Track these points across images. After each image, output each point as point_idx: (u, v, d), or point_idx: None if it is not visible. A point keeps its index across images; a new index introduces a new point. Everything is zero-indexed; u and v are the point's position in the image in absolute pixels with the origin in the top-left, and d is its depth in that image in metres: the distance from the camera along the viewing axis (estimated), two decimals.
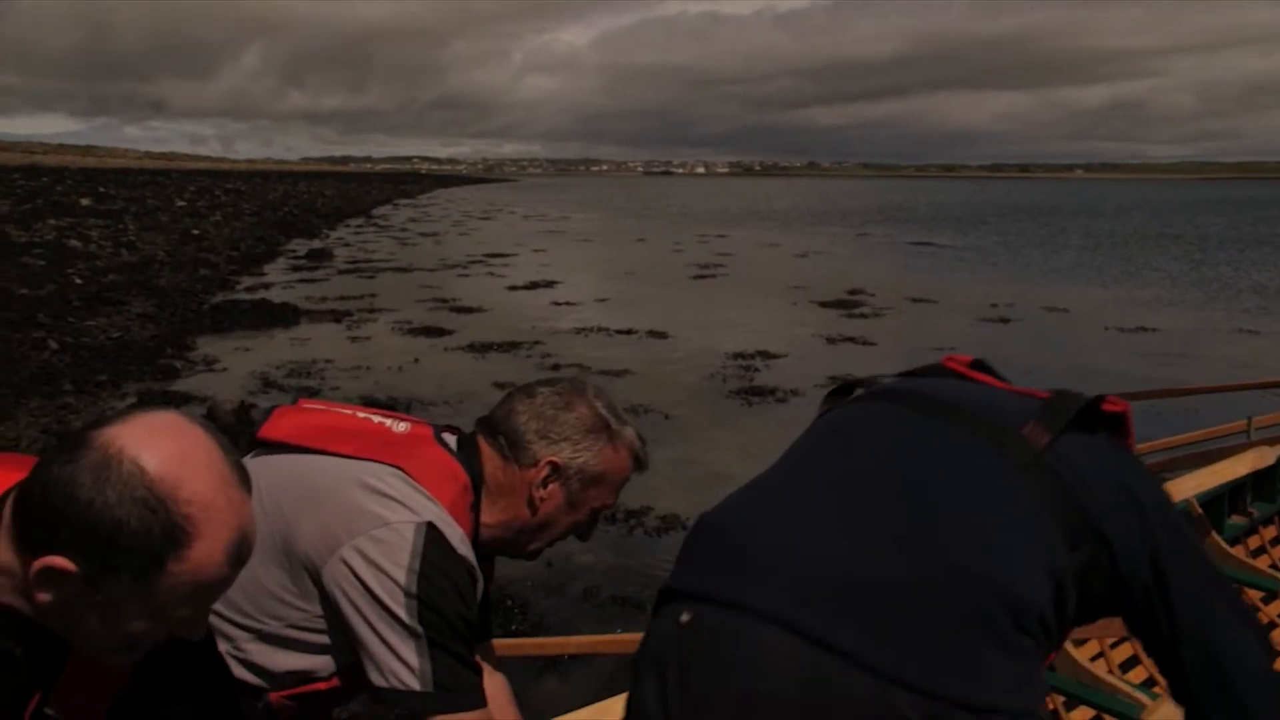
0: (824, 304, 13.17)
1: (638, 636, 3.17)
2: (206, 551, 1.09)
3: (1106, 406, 1.53)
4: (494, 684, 1.82)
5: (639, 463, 1.80)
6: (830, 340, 10.34)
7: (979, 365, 1.71)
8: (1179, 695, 1.48)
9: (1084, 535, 1.39)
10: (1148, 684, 2.90)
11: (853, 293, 14.17)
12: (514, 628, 3.63)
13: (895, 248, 24.54)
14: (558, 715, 2.75)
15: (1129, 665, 3.08)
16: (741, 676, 1.35)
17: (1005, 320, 11.92)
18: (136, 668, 1.27)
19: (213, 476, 1.11)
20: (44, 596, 1.08)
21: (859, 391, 1.69)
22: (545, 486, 1.72)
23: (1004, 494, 1.40)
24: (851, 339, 10.39)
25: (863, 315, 12.24)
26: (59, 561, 1.05)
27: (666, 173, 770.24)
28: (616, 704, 2.79)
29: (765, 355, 9.30)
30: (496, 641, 2.27)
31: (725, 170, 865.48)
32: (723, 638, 1.37)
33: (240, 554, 1.14)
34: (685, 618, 1.39)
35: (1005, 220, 39.12)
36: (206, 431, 1.14)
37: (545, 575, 4.13)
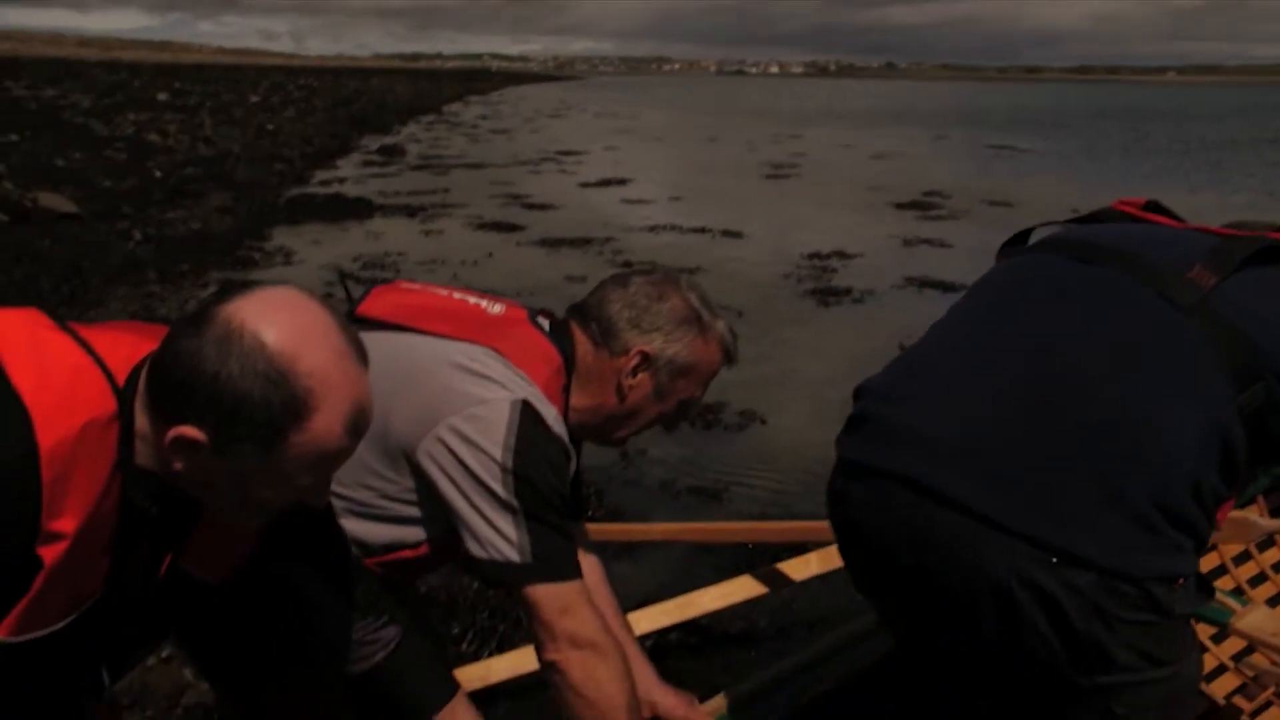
0: (900, 205, 12.90)
1: (719, 526, 3.22)
2: (326, 423, 1.13)
3: None
4: (588, 563, 1.85)
5: (728, 356, 1.81)
6: (906, 242, 10.14)
7: (1153, 206, 1.68)
8: None
9: (1256, 372, 1.36)
10: (1236, 592, 2.86)
11: (929, 195, 13.85)
12: (590, 515, 3.68)
13: (973, 151, 23.88)
14: (636, 601, 2.81)
15: (1216, 574, 3.04)
16: (869, 537, 1.47)
17: None
18: (262, 529, 1.33)
19: (330, 350, 1.13)
20: (179, 464, 1.13)
21: (1033, 238, 1.69)
22: (635, 375, 1.73)
23: (1161, 340, 1.38)
24: (928, 240, 10.18)
25: (939, 217, 11.97)
26: (190, 431, 1.09)
27: (740, 72, 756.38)
28: (701, 596, 2.85)
29: (841, 255, 9.16)
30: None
31: (800, 70, 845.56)
32: (859, 503, 1.47)
33: (358, 425, 1.17)
34: (838, 485, 1.52)
35: (1089, 124, 37.80)
36: (324, 306, 1.17)
37: (621, 466, 4.18)
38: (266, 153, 16.58)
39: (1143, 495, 1.28)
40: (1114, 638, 1.28)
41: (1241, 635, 2.32)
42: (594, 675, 1.53)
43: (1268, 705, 2.58)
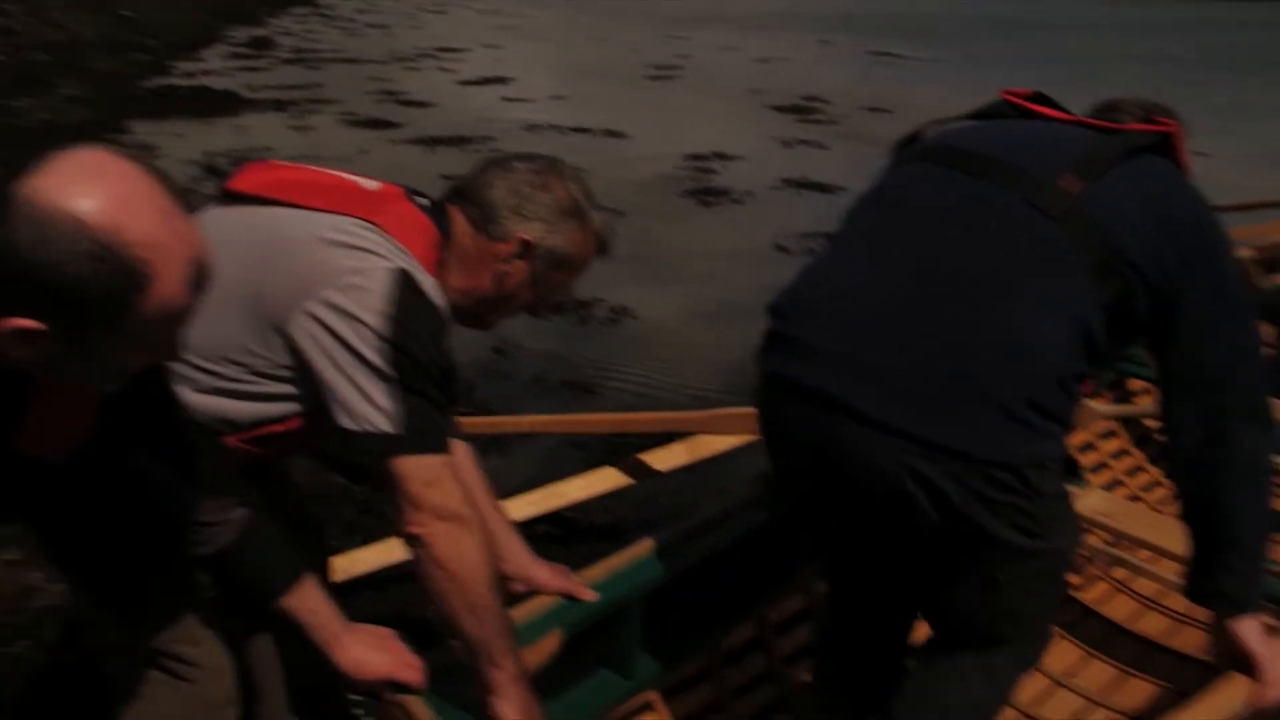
0: (781, 109, 12.92)
1: (586, 417, 3.24)
2: (166, 287, 1.07)
3: (1153, 128, 1.62)
4: (459, 448, 1.84)
5: (603, 249, 1.80)
6: (786, 144, 10.22)
7: (1037, 97, 1.77)
8: (1163, 390, 1.60)
9: (1114, 268, 1.48)
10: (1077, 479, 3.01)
11: (809, 99, 13.86)
12: (459, 410, 3.66)
13: (856, 57, 23.96)
14: (504, 494, 2.81)
15: None
16: (783, 445, 1.64)
17: None
18: (100, 410, 1.28)
19: (154, 213, 1.06)
20: (22, 352, 1.06)
21: (927, 135, 1.78)
22: (512, 262, 1.71)
23: (1031, 248, 1.49)
24: (806, 143, 10.28)
25: (818, 121, 12.07)
26: (26, 323, 1.02)
27: None
28: (566, 486, 2.87)
29: (721, 157, 9.19)
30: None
31: None
32: (774, 415, 1.63)
33: (200, 279, 1.12)
34: (758, 400, 1.66)
35: (971, 33, 38.25)
36: (134, 164, 1.09)
37: (493, 360, 4.16)
38: (125, 41, 15.67)
39: (1014, 393, 1.40)
40: (995, 518, 1.43)
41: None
42: (457, 547, 1.51)
43: (1096, 580, 2.76)
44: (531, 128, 10.52)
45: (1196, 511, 1.60)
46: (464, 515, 1.52)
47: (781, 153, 9.81)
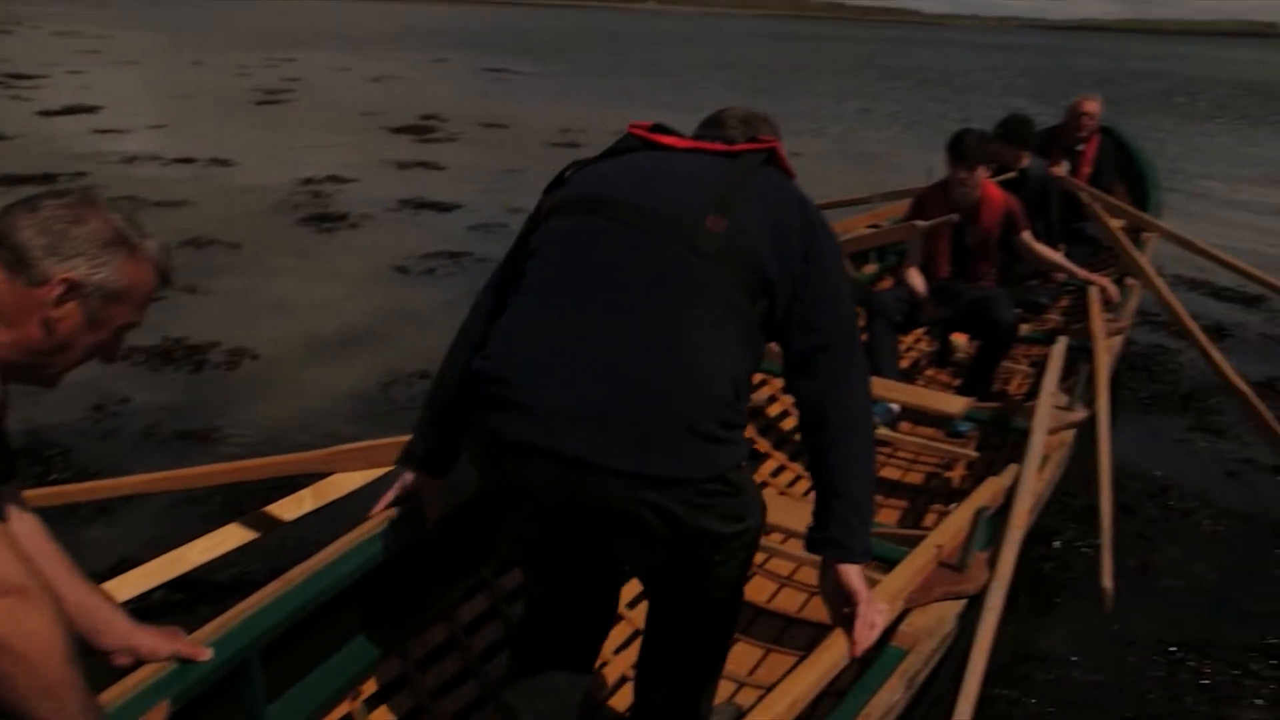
0: (396, 129, 12.88)
1: (200, 470, 3.06)
2: None
3: (760, 146, 1.91)
4: (24, 523, 1.69)
5: (164, 276, 1.69)
6: (402, 165, 10.20)
7: (658, 128, 2.00)
8: (786, 366, 1.86)
9: (761, 286, 1.77)
10: None
11: (426, 118, 13.94)
12: (53, 478, 3.36)
13: (471, 74, 24.27)
14: (114, 565, 2.61)
15: None
16: (524, 498, 1.78)
17: (575, 144, 12.28)
18: None
19: None
20: None
21: (572, 180, 1.94)
22: (61, 306, 1.56)
23: (694, 288, 1.73)
24: (423, 163, 10.31)
25: (435, 140, 12.14)
26: None
27: None
28: (188, 551, 2.68)
29: (336, 180, 9.03)
30: (33, 492, 2.07)
31: None
32: (510, 473, 1.73)
33: None
34: (490, 464, 1.79)
35: (576, 48, 39.75)
36: None
37: (93, 419, 3.84)
38: None
39: (710, 419, 1.65)
40: (712, 518, 1.69)
41: None
42: (22, 625, 1.33)
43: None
44: (129, 160, 9.81)
45: (815, 467, 1.85)
46: (26, 587, 1.35)
47: (398, 174, 9.78)
